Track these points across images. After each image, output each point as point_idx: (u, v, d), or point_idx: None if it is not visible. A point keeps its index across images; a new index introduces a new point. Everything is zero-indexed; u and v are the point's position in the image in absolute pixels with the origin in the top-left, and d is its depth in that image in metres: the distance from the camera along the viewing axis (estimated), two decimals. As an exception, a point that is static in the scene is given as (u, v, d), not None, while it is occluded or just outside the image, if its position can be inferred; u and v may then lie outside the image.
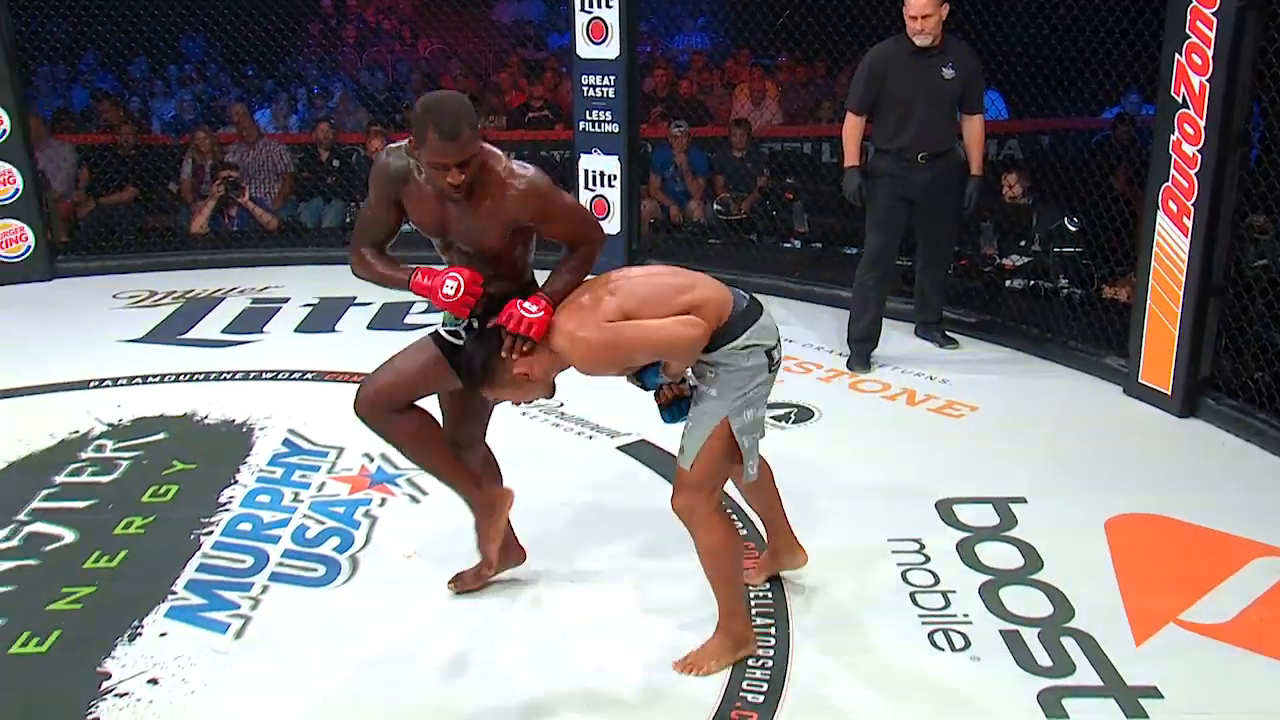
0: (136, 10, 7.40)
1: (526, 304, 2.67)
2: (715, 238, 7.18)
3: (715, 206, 7.46)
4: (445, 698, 2.80)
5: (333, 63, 9.30)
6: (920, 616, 3.13)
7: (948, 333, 5.45)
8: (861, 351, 5.17)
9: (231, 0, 7.58)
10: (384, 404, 2.88)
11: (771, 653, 2.95)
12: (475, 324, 2.80)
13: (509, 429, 4.42)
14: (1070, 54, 5.38)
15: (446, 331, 2.87)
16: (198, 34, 9.03)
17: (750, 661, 2.90)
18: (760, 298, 2.87)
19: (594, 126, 6.60)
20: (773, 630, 3.06)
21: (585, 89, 6.55)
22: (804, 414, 4.62)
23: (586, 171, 6.70)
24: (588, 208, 6.76)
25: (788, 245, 7.19)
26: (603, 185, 6.69)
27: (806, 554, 3.31)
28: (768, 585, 3.27)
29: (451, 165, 2.55)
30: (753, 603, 3.17)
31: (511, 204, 2.68)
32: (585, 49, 6.48)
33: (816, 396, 4.79)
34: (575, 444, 4.36)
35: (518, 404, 2.89)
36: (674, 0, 9.84)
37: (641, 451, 4.25)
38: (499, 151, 2.71)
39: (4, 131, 6.60)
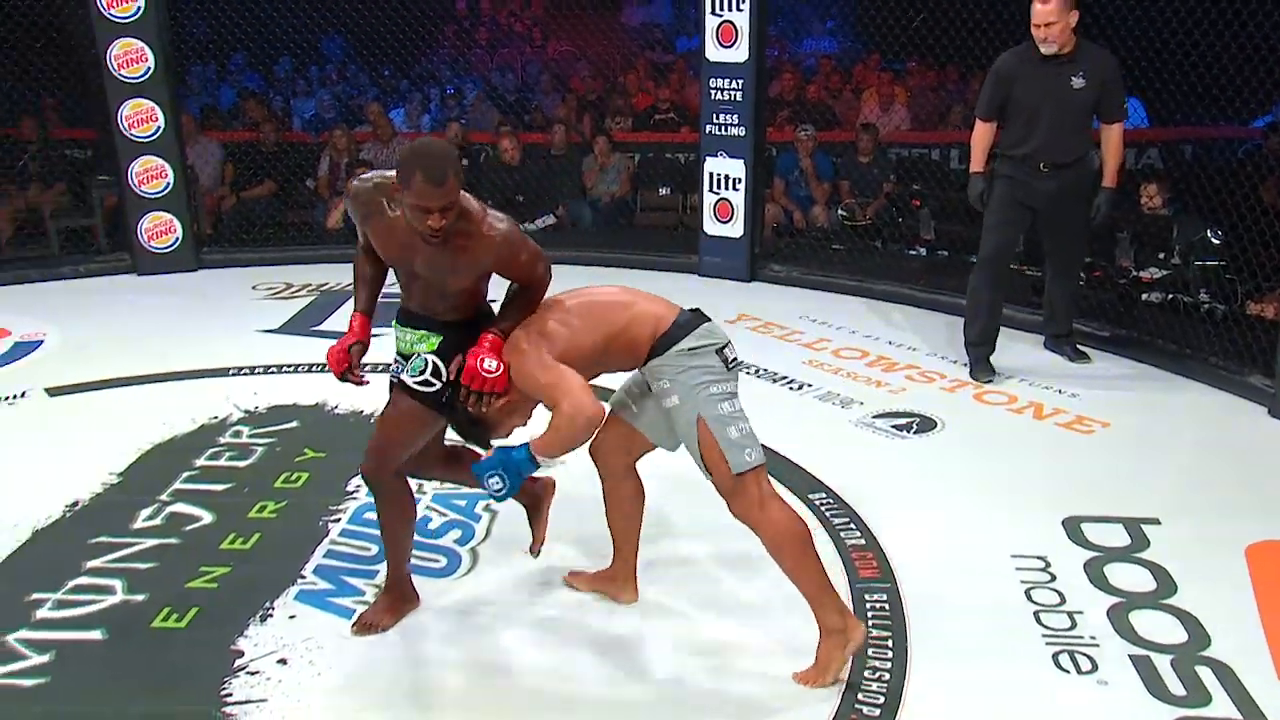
0: (283, 11, 7.65)
1: (485, 363, 2.76)
2: (839, 243, 7.09)
3: (840, 212, 7.37)
4: (559, 691, 2.81)
5: (465, 64, 9.49)
6: (1045, 636, 3.03)
7: (1079, 346, 5.27)
8: (978, 356, 5.05)
9: (371, 2, 7.79)
10: (391, 467, 2.98)
11: (889, 666, 2.89)
12: (441, 370, 2.86)
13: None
14: (1218, 60, 5.15)
15: (415, 382, 2.88)
16: (338, 35, 9.31)
17: (866, 674, 2.84)
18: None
19: (720, 130, 6.58)
20: (889, 643, 3.00)
21: (713, 92, 6.53)
22: (926, 424, 4.52)
23: (711, 174, 6.68)
24: (712, 213, 6.76)
25: (913, 252, 7.06)
26: (727, 188, 6.67)
27: (638, 595, 3.19)
28: (884, 597, 3.20)
29: (435, 210, 2.60)
30: (870, 615, 3.11)
31: (485, 253, 2.76)
32: (714, 52, 6.47)
33: (939, 406, 4.69)
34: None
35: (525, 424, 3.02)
36: (803, 3, 9.76)
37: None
38: (475, 201, 2.77)
39: (158, 128, 6.89)
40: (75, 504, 3.80)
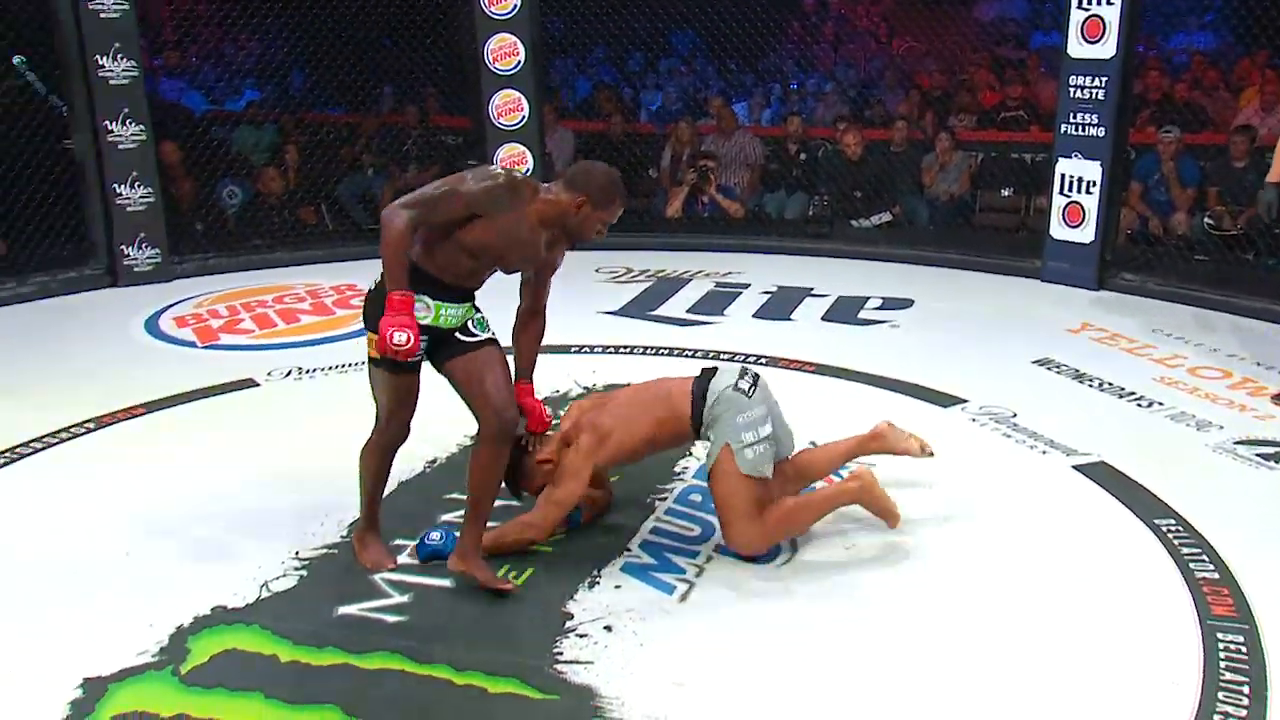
0: (640, 7, 7.92)
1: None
2: (1203, 254, 6.49)
3: (1206, 220, 6.73)
4: (871, 686, 2.75)
5: (809, 59, 9.45)
6: None
7: None
8: None
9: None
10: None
11: (1244, 715, 2.61)
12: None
13: (962, 438, 4.30)
14: None
15: (487, 336, 3.26)
16: (689, 29, 9.53)
17: (1214, 724, 2.59)
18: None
19: (1077, 130, 6.19)
20: (1245, 690, 2.70)
21: (1072, 90, 6.16)
22: (1298, 458, 4.06)
23: (1063, 176, 6.31)
24: (1060, 216, 6.38)
25: (1292, 268, 6.35)
26: (1079, 191, 6.27)
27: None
28: (1241, 639, 2.90)
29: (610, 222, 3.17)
30: (1222, 657, 2.82)
31: (561, 250, 3.31)
32: (1077, 48, 6.09)
33: (1315, 440, 4.20)
34: (1025, 458, 4.13)
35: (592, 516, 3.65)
36: (1179, -4, 8.99)
37: (1099, 474, 3.94)
38: None
39: (523, 118, 7.35)
40: (434, 461, 4.12)
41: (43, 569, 3.40)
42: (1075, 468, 4.02)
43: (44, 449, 4.32)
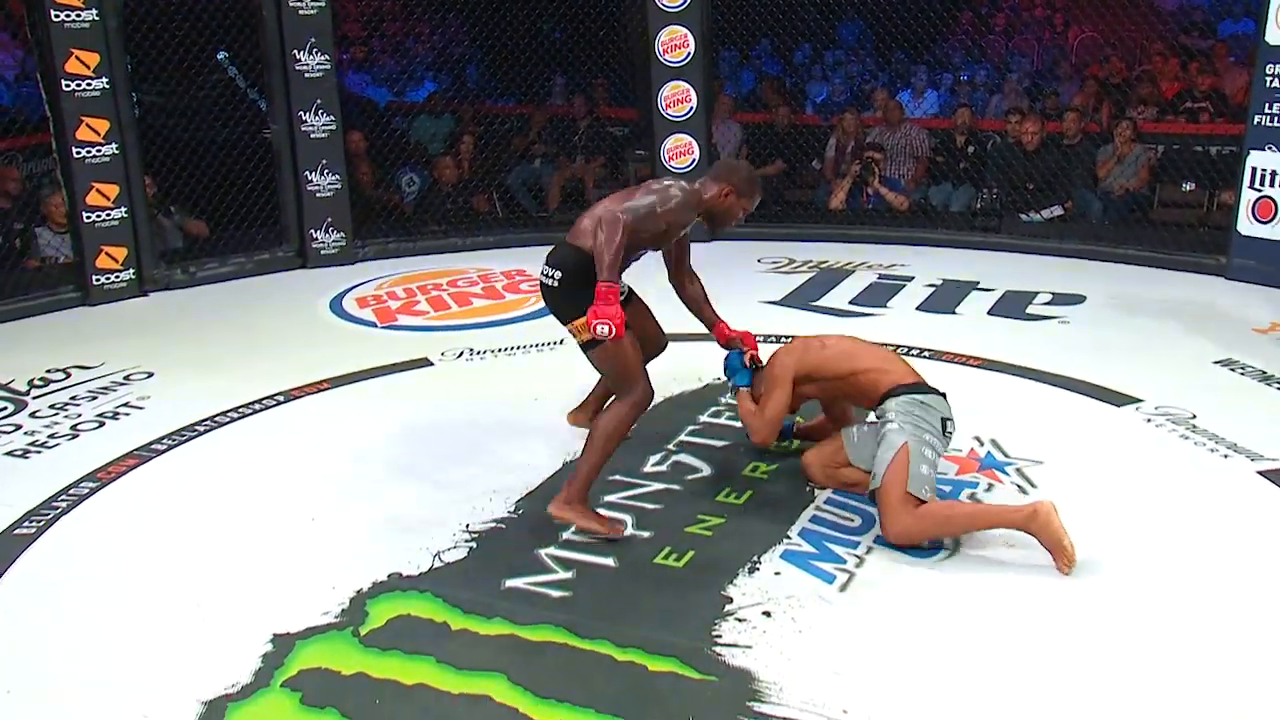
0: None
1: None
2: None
3: None
4: (1029, 686, 2.64)
5: (980, 50, 9.15)
6: None
7: None
8: None
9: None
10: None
11: None
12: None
13: (1137, 439, 4.10)
14: None
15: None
16: (856, 21, 9.35)
17: None
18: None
19: (1273, 120, 5.80)
20: None
21: (1268, 79, 5.77)
22: None
23: (1255, 169, 5.93)
24: (1250, 211, 6.02)
25: None
26: (1273, 185, 5.88)
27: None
28: None
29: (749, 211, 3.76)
30: None
31: None
32: (1275, 35, 5.70)
33: None
34: (1206, 462, 3.90)
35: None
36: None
37: (1288, 481, 3.70)
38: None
39: (690, 109, 7.35)
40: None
41: (237, 530, 3.59)
42: (1260, 473, 3.78)
43: (239, 419, 4.56)
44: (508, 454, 4.06)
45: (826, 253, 7.15)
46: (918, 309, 5.95)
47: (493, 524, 3.56)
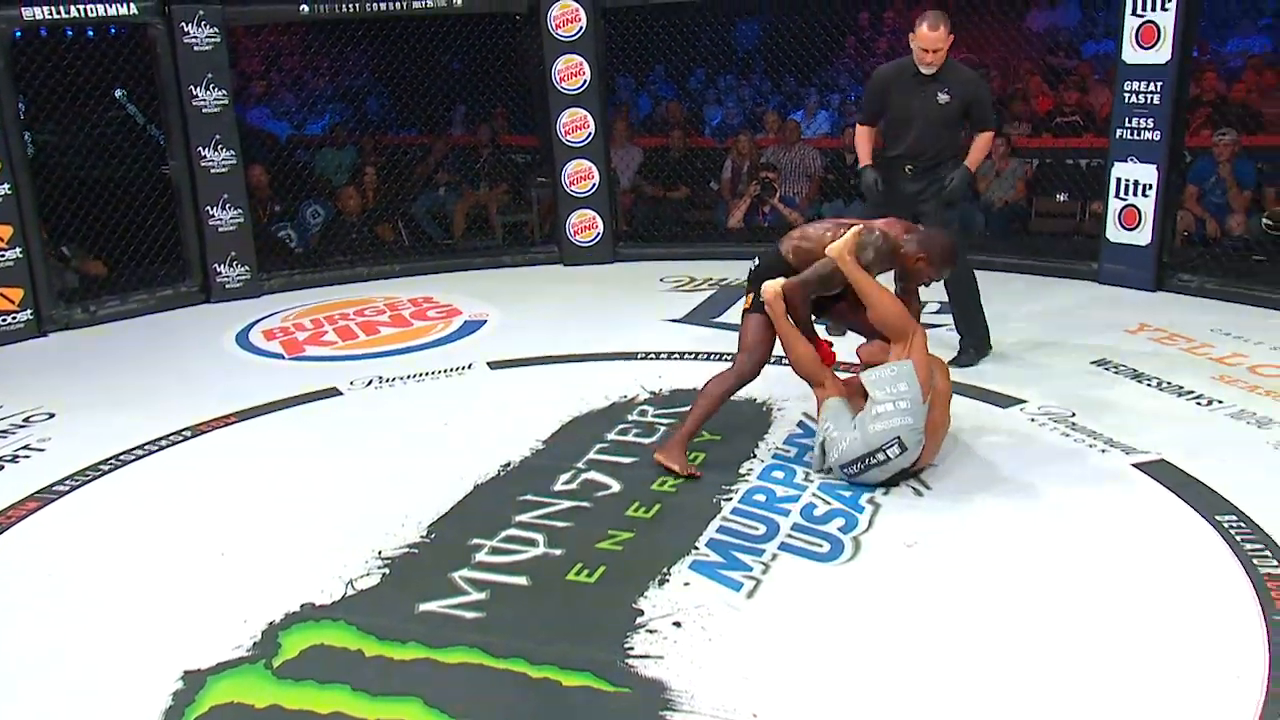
0: (701, 26, 7.90)
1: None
2: (1261, 254, 6.31)
3: (1264, 220, 6.55)
4: (936, 682, 2.71)
5: (864, 72, 9.37)
6: None
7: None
8: None
9: (782, 17, 7.87)
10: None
11: (1309, 715, 2.54)
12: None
13: (1022, 437, 4.23)
14: None
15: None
16: (748, 47, 9.52)
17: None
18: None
19: (1133, 134, 6.06)
20: (1311, 690, 2.62)
21: (1127, 95, 6.03)
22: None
23: (1119, 180, 6.17)
24: (1117, 220, 6.27)
25: (1353, 267, 6.15)
26: (1136, 195, 6.14)
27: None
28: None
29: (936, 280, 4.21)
30: (1288, 656, 2.74)
31: None
32: (1132, 54, 5.96)
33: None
34: (1085, 457, 4.05)
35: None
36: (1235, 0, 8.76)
37: (1160, 471, 3.85)
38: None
39: (589, 135, 7.39)
40: (508, 464, 4.15)
41: (145, 568, 3.48)
42: (1135, 465, 3.93)
43: (145, 456, 4.43)
44: (419, 479, 4.02)
45: (726, 270, 7.22)
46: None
47: (405, 549, 3.51)
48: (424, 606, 3.14)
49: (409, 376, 5.32)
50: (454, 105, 8.71)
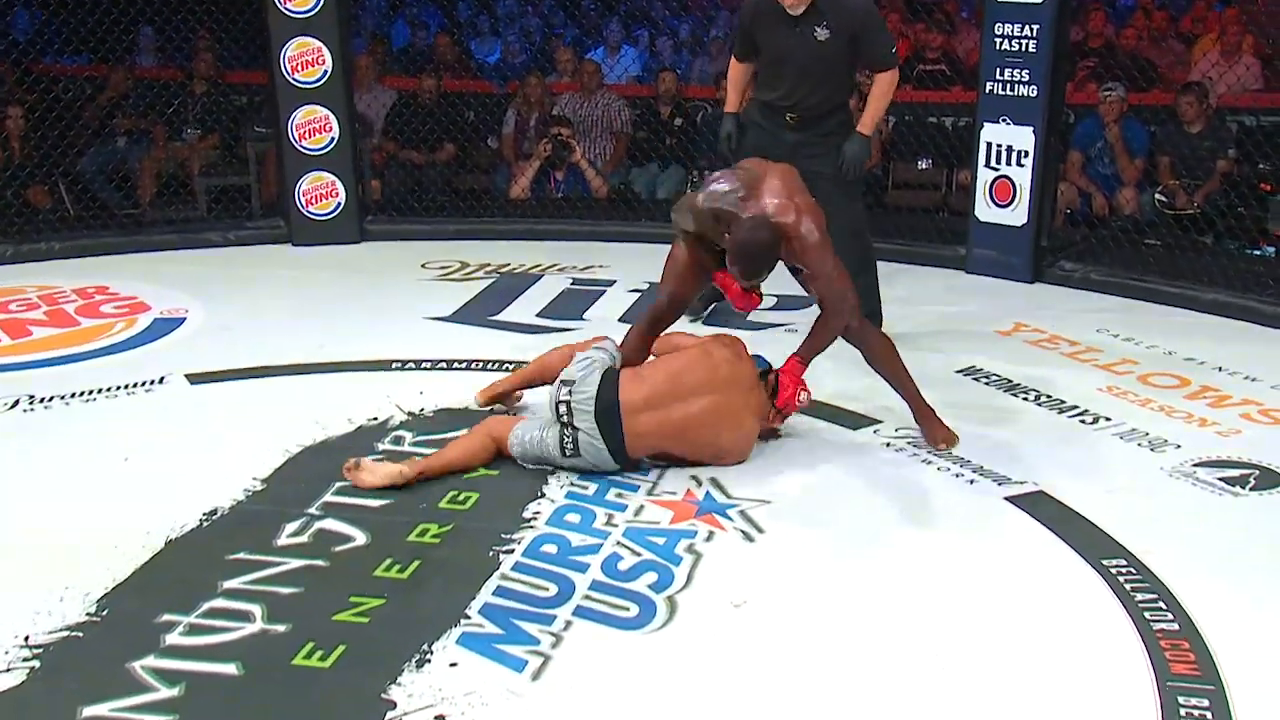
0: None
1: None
2: (1154, 238, 6.80)
3: (1157, 197, 7.08)
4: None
5: (680, 2, 9.57)
6: None
7: None
8: None
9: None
10: None
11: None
12: None
13: (874, 465, 4.39)
14: None
15: None
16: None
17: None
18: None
19: (1005, 89, 6.42)
20: None
21: (997, 40, 6.37)
22: (1268, 478, 4.27)
23: (990, 145, 6.53)
24: (987, 194, 6.60)
25: (1258, 253, 6.70)
26: (1009, 164, 6.50)
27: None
28: (1206, 702, 3.03)
29: None
30: None
31: None
32: (1004, -10, 6.33)
33: (1285, 457, 4.44)
34: (949, 489, 4.25)
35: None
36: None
37: (1036, 506, 4.08)
38: None
39: (325, 72, 7.23)
40: (214, 512, 4.02)
41: None
42: (1008, 499, 4.14)
43: None
44: (84, 537, 3.84)
45: (508, 254, 7.24)
46: (621, 320, 6.12)
47: (64, 633, 3.34)
48: (90, 711, 3.00)
49: (74, 395, 5.09)
50: (138, 26, 8.37)
